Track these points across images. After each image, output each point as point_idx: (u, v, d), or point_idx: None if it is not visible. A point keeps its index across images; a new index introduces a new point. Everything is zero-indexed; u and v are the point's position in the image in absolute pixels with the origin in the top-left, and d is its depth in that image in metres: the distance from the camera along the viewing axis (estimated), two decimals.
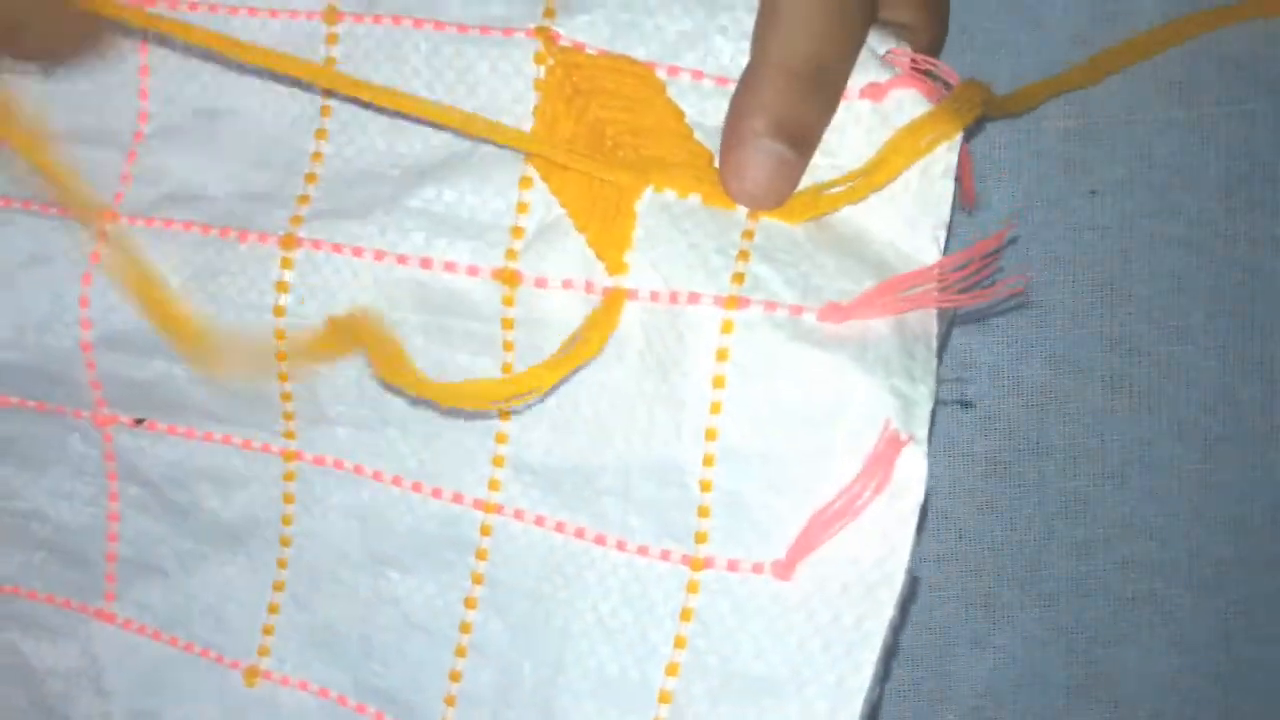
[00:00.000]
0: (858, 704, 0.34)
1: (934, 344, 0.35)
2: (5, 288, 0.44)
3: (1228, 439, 0.48)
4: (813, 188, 0.37)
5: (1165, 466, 0.48)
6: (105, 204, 0.43)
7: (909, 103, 0.36)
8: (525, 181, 0.39)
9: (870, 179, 0.36)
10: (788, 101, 0.36)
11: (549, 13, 0.39)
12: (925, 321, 0.36)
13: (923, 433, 0.34)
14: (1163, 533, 0.49)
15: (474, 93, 0.40)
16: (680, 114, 0.38)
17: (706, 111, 0.38)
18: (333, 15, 0.42)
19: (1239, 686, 0.49)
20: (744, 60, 0.37)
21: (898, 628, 0.35)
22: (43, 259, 0.43)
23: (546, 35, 0.39)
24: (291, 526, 0.43)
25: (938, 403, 0.43)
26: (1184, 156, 0.47)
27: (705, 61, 0.38)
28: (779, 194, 0.37)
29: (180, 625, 0.45)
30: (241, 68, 0.43)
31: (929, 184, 0.36)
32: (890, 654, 0.35)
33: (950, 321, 0.38)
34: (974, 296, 0.36)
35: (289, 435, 0.43)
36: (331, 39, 0.42)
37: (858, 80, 0.36)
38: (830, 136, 0.37)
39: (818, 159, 0.37)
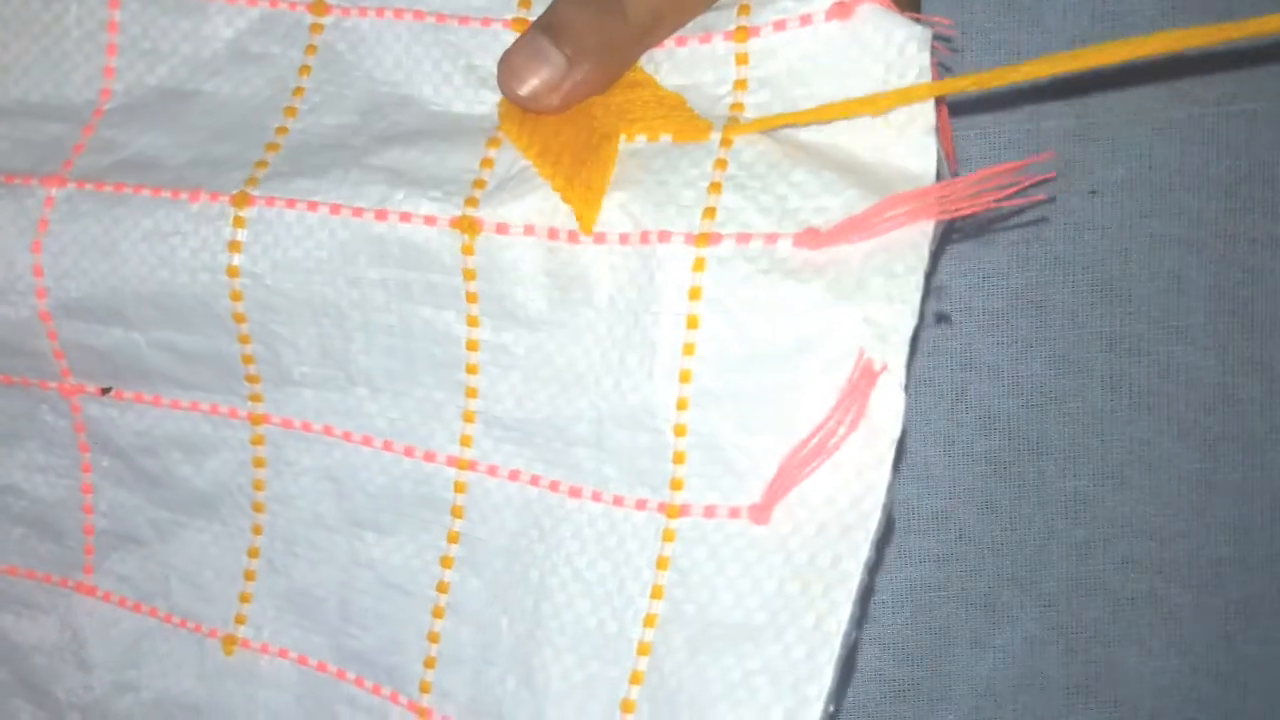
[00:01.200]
0: (835, 645, 0.33)
1: (925, 254, 0.34)
2: None
3: (1227, 439, 0.48)
4: (784, 114, 0.36)
5: (1165, 466, 0.48)
6: (53, 171, 0.43)
7: (876, 15, 0.35)
8: (493, 142, 0.39)
9: (841, 108, 0.35)
10: (561, 5, 0.38)
11: (524, 3, 0.40)
12: (915, 235, 0.34)
13: (900, 360, 0.33)
14: (1162, 532, 0.49)
15: (449, 80, 0.41)
16: (652, 79, 0.38)
17: (670, 70, 0.38)
18: (321, 7, 0.42)
19: (1239, 686, 0.49)
20: (701, 18, 0.38)
21: (874, 568, 0.34)
22: None
23: (523, 26, 0.39)
24: (264, 492, 0.43)
25: (934, 400, 0.44)
26: (1184, 157, 0.47)
27: None
28: (533, 87, 0.38)
29: (159, 596, 0.45)
30: (215, 53, 0.43)
31: (913, 119, 0.35)
32: (867, 595, 0.34)
33: (946, 236, 0.36)
34: (983, 204, 0.34)
35: (255, 399, 0.42)
36: (316, 29, 0.42)
37: (822, 2, 0.36)
38: (803, 64, 0.36)
39: (794, 88, 0.36)
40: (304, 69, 0.42)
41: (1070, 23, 0.47)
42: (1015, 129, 0.47)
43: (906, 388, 0.33)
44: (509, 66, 0.38)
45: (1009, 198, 0.34)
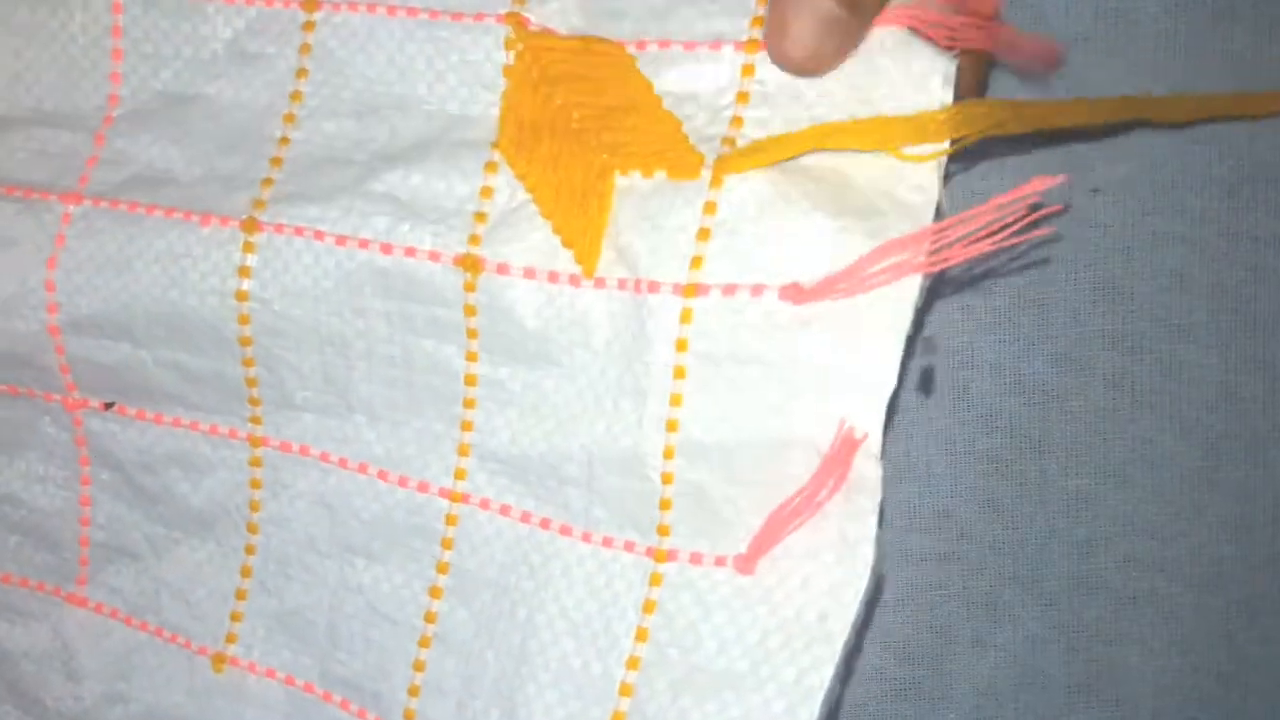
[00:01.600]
0: (816, 702, 0.34)
1: (908, 314, 0.34)
2: None
3: (1230, 437, 0.48)
4: (775, 138, 0.36)
5: (1167, 465, 0.48)
6: (70, 187, 0.43)
7: (895, 42, 0.35)
8: (491, 166, 0.39)
9: (834, 137, 0.35)
10: None
11: None
12: (903, 290, 0.34)
13: (876, 426, 0.34)
14: (1164, 531, 0.49)
15: (443, 79, 0.41)
16: (649, 85, 0.38)
17: (674, 79, 0.37)
18: (312, 3, 0.42)
19: (1241, 686, 0.49)
20: (713, 25, 0.37)
21: (861, 628, 0.34)
22: (6, 242, 0.43)
23: (516, 20, 0.39)
24: (259, 513, 0.44)
25: (935, 399, 0.44)
26: (1186, 155, 0.47)
27: (673, 31, 0.38)
28: (822, 55, 0.34)
29: (150, 610, 0.45)
30: (214, 54, 0.44)
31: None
32: (853, 654, 0.35)
33: (932, 288, 0.36)
34: (976, 250, 0.32)
35: (255, 420, 0.43)
36: (309, 26, 0.42)
37: None
38: (808, 84, 0.36)
39: (795, 108, 0.36)
40: (300, 71, 0.42)
41: (1073, 21, 0.46)
42: None
43: (882, 456, 0.34)
44: (797, 36, 0.34)
45: (1006, 237, 0.32)
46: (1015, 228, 0.32)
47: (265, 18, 0.43)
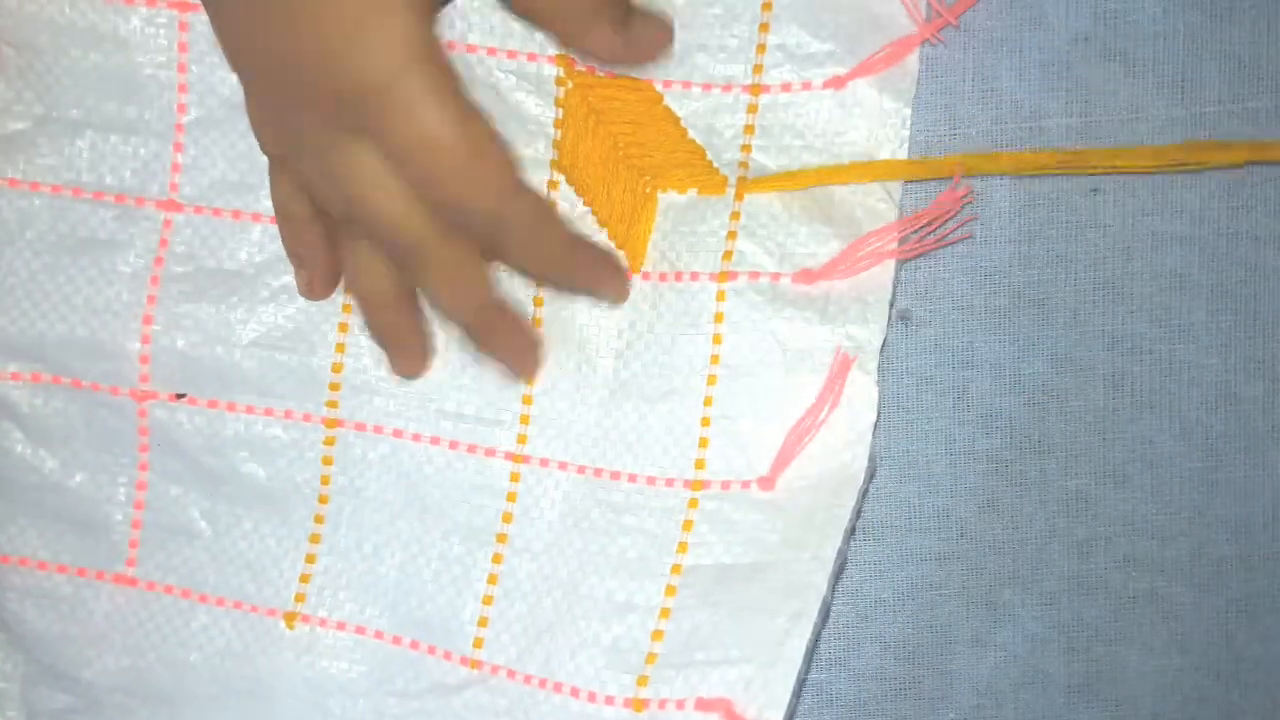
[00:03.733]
0: (829, 566, 0.44)
1: (888, 289, 0.45)
2: (73, 269, 0.47)
3: (1229, 438, 0.48)
4: (789, 172, 0.46)
5: (1167, 465, 0.48)
6: (161, 194, 0.47)
7: (866, 91, 0.46)
8: (553, 185, 0.47)
9: (831, 176, 0.46)
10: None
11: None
12: (881, 272, 0.45)
13: (873, 364, 0.45)
14: (1164, 531, 0.49)
15: (503, 100, 0.47)
16: (677, 118, 0.47)
17: (697, 112, 0.47)
18: None
19: (1241, 685, 0.49)
20: (723, 70, 0.46)
21: (859, 512, 0.45)
22: (110, 246, 0.47)
23: (566, 62, 0.46)
24: (329, 485, 0.48)
25: (935, 399, 0.44)
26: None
27: (691, 74, 0.46)
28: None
29: (208, 585, 0.48)
30: None
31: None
32: (851, 533, 0.45)
33: (904, 262, 0.47)
34: (923, 247, 0.46)
35: (332, 405, 0.48)
36: None
37: (824, 72, 0.46)
38: (798, 122, 0.46)
39: (790, 139, 0.46)
40: None
41: (1072, 21, 0.46)
42: (1017, 128, 0.47)
43: (878, 383, 0.45)
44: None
45: (949, 232, 0.46)
46: (949, 224, 0.46)
47: None
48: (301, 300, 0.47)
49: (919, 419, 0.48)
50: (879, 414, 0.45)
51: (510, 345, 0.44)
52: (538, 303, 0.47)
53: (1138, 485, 0.48)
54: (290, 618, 0.48)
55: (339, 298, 0.47)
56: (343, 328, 0.48)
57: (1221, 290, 0.48)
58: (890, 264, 0.45)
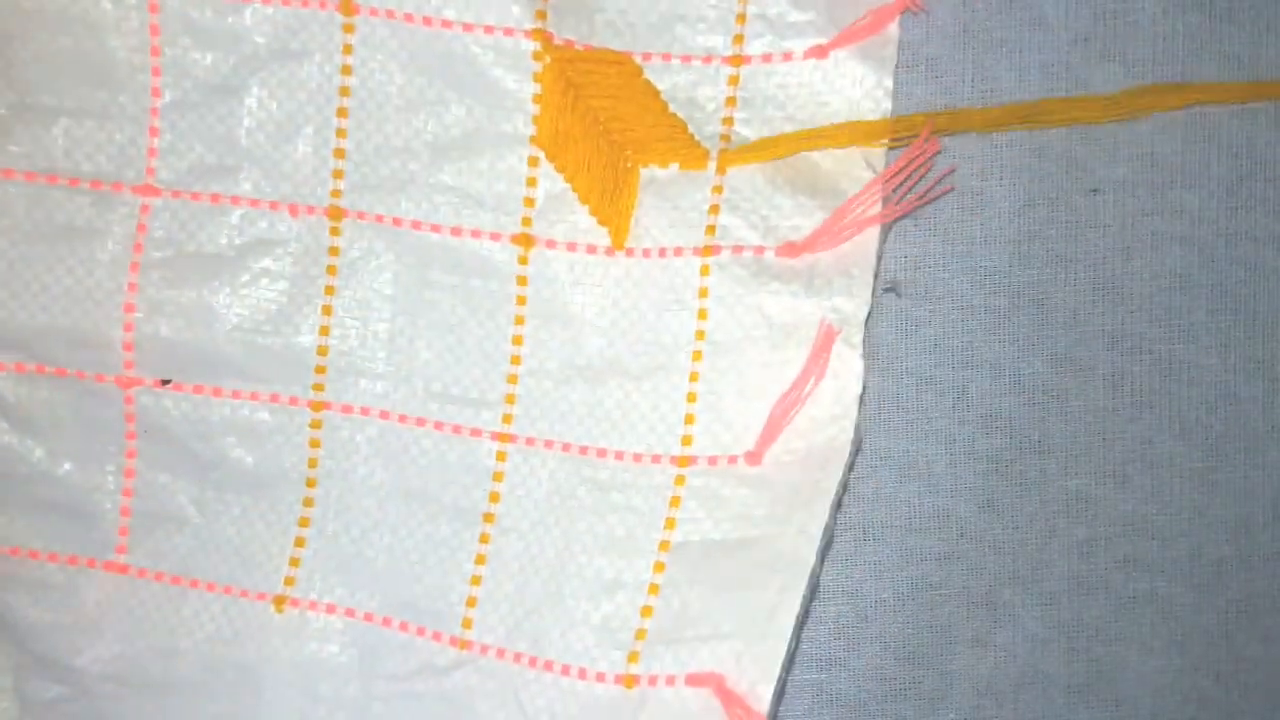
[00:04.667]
0: (817, 538, 0.43)
1: (873, 260, 0.45)
2: (51, 258, 0.47)
3: (1229, 437, 0.48)
4: (769, 138, 0.46)
5: (1167, 465, 0.48)
6: (137, 179, 0.47)
7: (848, 60, 0.45)
8: (533, 161, 0.47)
9: (809, 141, 0.45)
10: None
11: (540, 15, 0.46)
12: (864, 241, 0.45)
13: (858, 337, 0.44)
14: (1164, 531, 0.49)
15: (482, 76, 0.46)
16: (656, 91, 0.46)
17: (678, 85, 0.46)
18: (349, 7, 0.46)
19: (1240, 685, 0.49)
20: (703, 41, 0.46)
21: (846, 485, 0.44)
22: (87, 233, 0.47)
23: (543, 35, 0.46)
24: (317, 469, 0.48)
25: (935, 399, 0.43)
26: (1185, 155, 0.47)
27: (671, 45, 0.46)
28: None
29: (198, 570, 0.48)
30: (255, 49, 0.46)
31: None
32: (838, 506, 0.44)
33: (888, 231, 0.46)
34: (907, 204, 0.45)
35: (318, 388, 0.48)
36: (348, 29, 0.46)
37: (804, 43, 0.45)
38: (780, 93, 0.46)
39: (771, 110, 0.46)
40: (345, 69, 0.47)
41: (1072, 20, 0.46)
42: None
43: (864, 356, 0.44)
44: None
45: (926, 190, 0.46)
46: (920, 178, 0.45)
47: (303, 18, 0.46)
48: (283, 282, 0.47)
49: (919, 419, 0.48)
50: (864, 387, 0.44)
51: None
52: (521, 281, 0.47)
53: (1138, 485, 0.48)
54: (280, 601, 0.48)
55: (321, 279, 0.47)
56: (326, 310, 0.47)
57: (1221, 290, 0.48)
58: (874, 233, 0.45)
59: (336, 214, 0.47)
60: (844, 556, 0.48)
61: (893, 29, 0.45)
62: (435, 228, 0.47)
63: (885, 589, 0.49)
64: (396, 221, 0.47)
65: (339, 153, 0.47)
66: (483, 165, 0.47)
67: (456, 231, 0.47)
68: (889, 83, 0.45)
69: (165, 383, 0.47)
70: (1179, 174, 0.47)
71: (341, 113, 0.47)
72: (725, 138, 0.46)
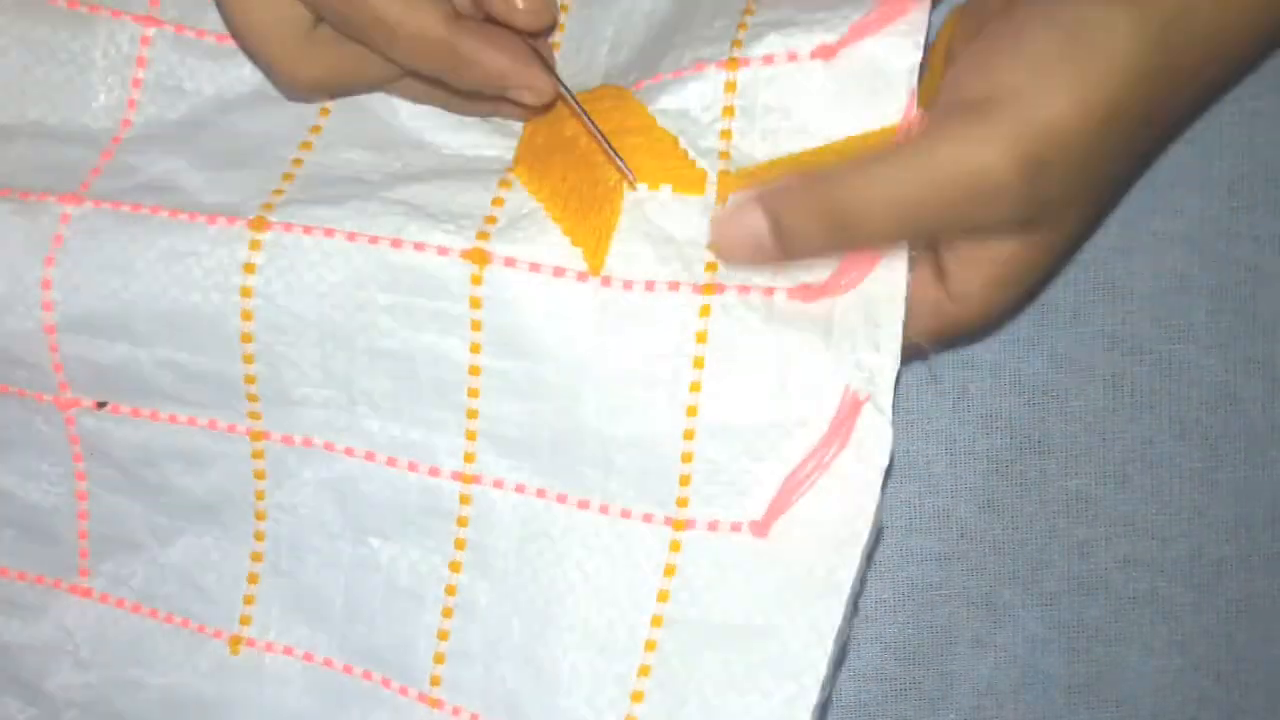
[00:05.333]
0: (829, 643, 0.38)
1: (901, 302, 0.38)
2: None
3: (1229, 437, 0.48)
4: (775, 160, 0.40)
5: (1167, 465, 0.48)
6: (69, 190, 0.44)
7: (858, 60, 0.39)
8: (505, 183, 0.41)
9: (824, 156, 0.39)
10: (791, 211, 0.37)
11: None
12: (892, 280, 0.38)
13: (887, 400, 0.38)
14: (1164, 531, 0.49)
15: (463, 126, 0.43)
16: (644, 108, 0.41)
17: (667, 100, 0.41)
18: None
19: (1240, 685, 0.49)
20: (698, 53, 0.41)
21: (864, 576, 0.39)
22: (7, 239, 0.43)
23: None
24: (265, 500, 0.44)
25: (935, 399, 0.43)
26: (1186, 155, 0.47)
27: (664, 67, 0.41)
28: (735, 260, 0.39)
29: (159, 598, 0.46)
30: (239, 96, 0.45)
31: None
32: (857, 596, 0.39)
33: (914, 264, 0.40)
34: None
35: (254, 416, 0.43)
36: None
37: (810, 41, 0.39)
38: (787, 98, 0.40)
39: (777, 121, 0.40)
40: (323, 110, 0.44)
41: None
42: None
43: (893, 423, 0.38)
44: (726, 233, 0.39)
45: None
46: None
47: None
48: (196, 294, 0.42)
49: (919, 419, 0.48)
50: (892, 460, 0.38)
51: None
52: (475, 303, 0.40)
53: (1138, 485, 0.48)
54: (235, 641, 0.45)
55: (234, 298, 0.41)
56: (245, 336, 0.42)
57: (1221, 290, 0.48)
58: (902, 270, 0.38)
59: (260, 225, 0.41)
60: None
61: (918, 15, 0.39)
62: (373, 239, 0.40)
63: (886, 589, 0.48)
64: (328, 233, 0.41)
65: (288, 177, 0.43)
66: (445, 186, 0.42)
67: (397, 244, 0.40)
68: (913, 82, 0.38)
69: (102, 405, 0.44)
70: (1180, 174, 0.47)
71: (305, 146, 0.44)
72: (724, 155, 0.40)
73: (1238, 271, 0.48)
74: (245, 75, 0.45)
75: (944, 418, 0.48)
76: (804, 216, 0.37)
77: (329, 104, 0.44)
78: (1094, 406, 0.48)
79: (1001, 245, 0.38)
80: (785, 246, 0.37)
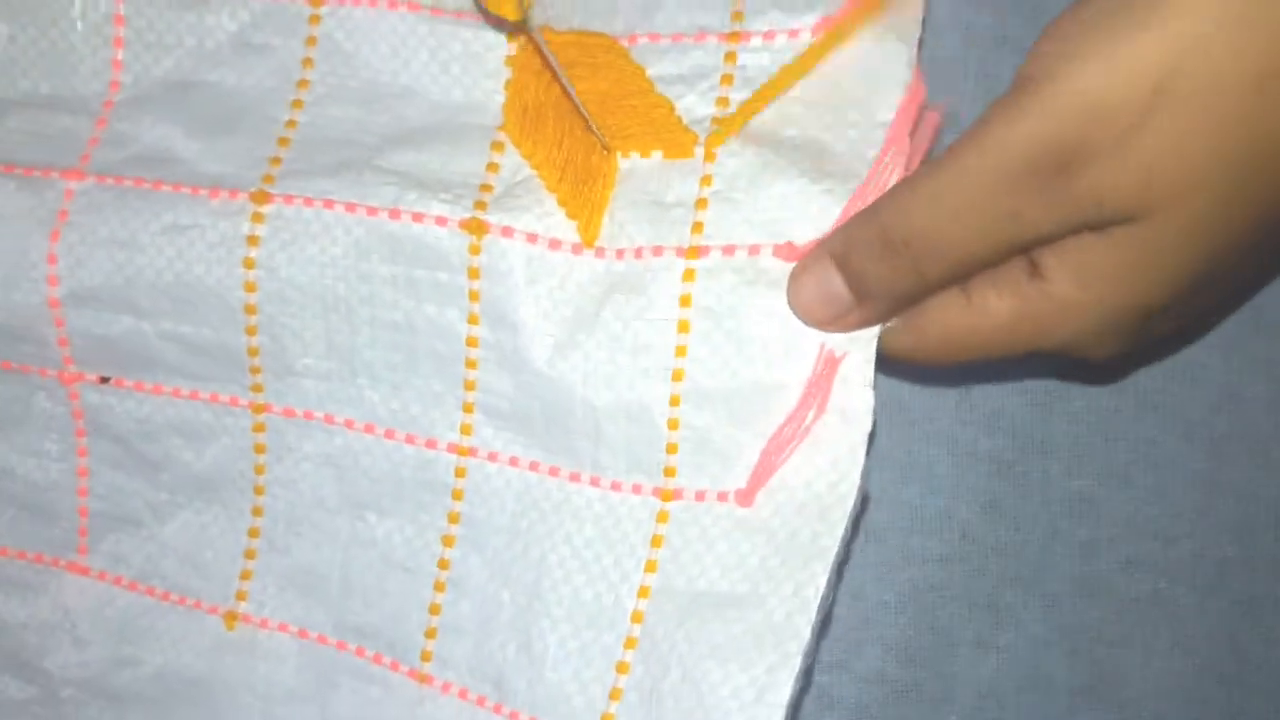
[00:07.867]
0: (812, 609, 0.38)
1: None
2: None
3: (1233, 439, 0.48)
4: (755, 93, 0.40)
5: (1170, 466, 0.48)
6: (70, 165, 0.45)
7: (861, 36, 0.40)
8: (497, 146, 0.42)
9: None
10: (856, 252, 0.37)
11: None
12: None
13: (867, 362, 0.38)
14: (1167, 533, 0.48)
15: (446, 69, 0.43)
16: (642, 70, 0.41)
17: (665, 65, 0.41)
18: None
19: (1244, 687, 0.49)
20: (697, 19, 0.41)
21: (850, 541, 0.39)
22: (5, 217, 0.45)
23: (521, 26, 0.41)
24: (264, 475, 0.45)
25: (937, 399, 0.43)
26: None
27: (660, 26, 0.41)
28: (819, 322, 0.38)
29: (156, 575, 0.47)
30: (219, 45, 0.45)
31: (880, 87, 0.39)
32: (842, 563, 0.39)
33: None
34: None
35: (256, 389, 0.45)
36: (314, 20, 0.45)
37: (814, 15, 0.40)
38: (779, 67, 0.40)
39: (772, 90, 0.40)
40: (306, 61, 0.44)
41: None
42: None
43: (874, 385, 0.38)
44: (799, 294, 0.38)
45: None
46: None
47: (271, 11, 0.45)
48: (200, 267, 0.43)
49: (921, 419, 0.48)
50: (875, 422, 0.38)
51: None
52: (473, 274, 0.41)
53: (1141, 486, 0.48)
54: (230, 618, 0.46)
55: (238, 271, 0.43)
56: (249, 308, 0.43)
57: None
58: None
59: (262, 198, 0.43)
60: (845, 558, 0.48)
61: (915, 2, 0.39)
62: (371, 210, 0.41)
63: (887, 591, 0.48)
64: (328, 204, 0.42)
65: (283, 141, 0.44)
66: (439, 151, 0.42)
67: (395, 214, 0.41)
68: (912, 53, 0.39)
69: (105, 379, 0.46)
70: None
71: (296, 104, 0.44)
72: (718, 121, 0.41)
73: None
74: (223, 22, 0.45)
75: (946, 418, 0.48)
76: (866, 249, 0.36)
77: (310, 53, 0.44)
78: (1097, 407, 0.48)
79: (1096, 237, 0.35)
80: (858, 290, 0.37)
